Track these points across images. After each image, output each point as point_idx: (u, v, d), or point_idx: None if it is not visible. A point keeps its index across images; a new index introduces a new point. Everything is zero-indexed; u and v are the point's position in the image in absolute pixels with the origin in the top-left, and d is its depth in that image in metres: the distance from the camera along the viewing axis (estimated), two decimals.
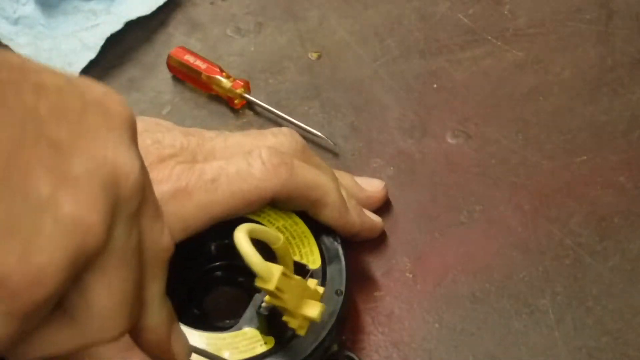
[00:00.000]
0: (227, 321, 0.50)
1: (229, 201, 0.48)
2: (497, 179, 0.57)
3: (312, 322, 0.46)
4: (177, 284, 0.49)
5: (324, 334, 0.47)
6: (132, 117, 0.35)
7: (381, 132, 0.60)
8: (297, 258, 0.49)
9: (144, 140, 0.49)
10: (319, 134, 0.59)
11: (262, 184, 0.48)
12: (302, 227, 0.51)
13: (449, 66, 0.63)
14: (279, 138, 0.51)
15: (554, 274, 0.52)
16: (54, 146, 0.32)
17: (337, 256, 0.50)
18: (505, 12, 0.66)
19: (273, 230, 0.46)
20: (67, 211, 0.32)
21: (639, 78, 0.61)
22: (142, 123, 0.50)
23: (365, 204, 0.54)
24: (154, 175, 0.46)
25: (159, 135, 0.49)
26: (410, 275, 0.53)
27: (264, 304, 0.46)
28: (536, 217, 0.55)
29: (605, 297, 0.51)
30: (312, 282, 0.46)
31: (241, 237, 0.41)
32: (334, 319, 0.47)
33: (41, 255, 0.31)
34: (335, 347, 0.48)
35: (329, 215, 0.50)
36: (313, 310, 0.45)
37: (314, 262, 0.49)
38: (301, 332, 0.46)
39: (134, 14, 0.65)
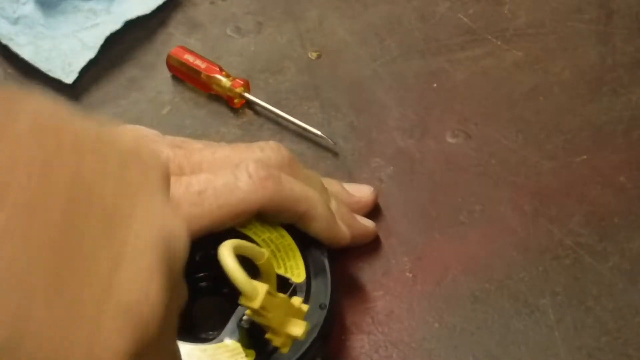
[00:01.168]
0: (211, 333, 0.49)
1: (216, 214, 0.47)
2: (497, 178, 0.57)
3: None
4: None
5: (305, 347, 0.46)
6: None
7: (381, 132, 0.60)
8: (281, 271, 0.49)
9: None
10: (319, 133, 0.59)
11: (249, 197, 0.47)
12: (288, 240, 0.50)
13: (449, 66, 0.63)
14: (266, 152, 0.50)
15: (554, 274, 0.52)
16: (106, 216, 0.30)
17: (323, 269, 0.49)
18: (505, 12, 0.66)
19: (257, 246, 0.46)
20: (130, 299, 0.30)
21: (639, 78, 0.61)
22: (129, 133, 0.49)
23: (354, 209, 0.54)
24: None
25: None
26: (410, 275, 0.53)
27: (245, 317, 0.45)
28: (536, 217, 0.55)
29: (605, 297, 0.51)
30: (296, 300, 0.46)
31: (226, 253, 0.41)
32: (316, 332, 0.47)
33: (106, 351, 0.29)
34: None
35: (318, 227, 0.50)
36: (297, 329, 0.44)
37: (298, 275, 0.49)
38: (284, 350, 0.45)
39: (133, 14, 0.65)
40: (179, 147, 0.50)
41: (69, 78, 0.62)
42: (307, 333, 0.46)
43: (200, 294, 0.51)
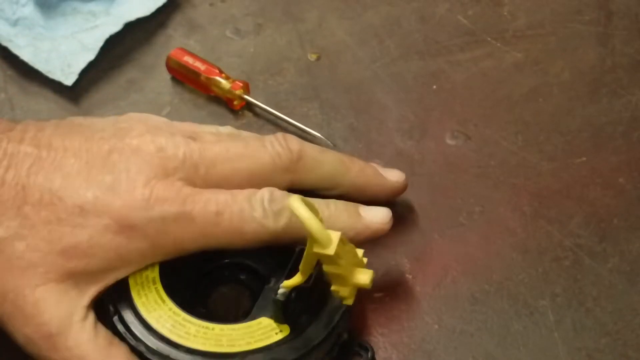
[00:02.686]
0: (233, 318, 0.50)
1: (228, 237, 0.48)
2: (497, 180, 0.57)
3: (322, 310, 0.47)
4: (179, 285, 0.49)
5: (336, 319, 0.47)
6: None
7: (380, 133, 0.60)
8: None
9: (147, 146, 0.49)
10: (318, 135, 0.59)
11: (261, 229, 0.48)
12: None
13: (449, 67, 0.63)
14: (276, 148, 0.51)
15: (554, 275, 0.52)
16: None
17: None
18: (505, 13, 0.66)
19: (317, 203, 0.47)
20: None
21: (639, 79, 0.61)
22: (142, 124, 0.50)
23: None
24: (160, 189, 0.47)
25: (162, 141, 0.49)
26: (410, 276, 0.53)
27: (281, 291, 0.46)
28: (536, 218, 0.55)
29: (605, 298, 0.51)
30: (359, 251, 0.47)
31: (298, 204, 0.42)
32: (344, 306, 0.48)
33: None
34: (345, 336, 0.48)
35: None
36: (364, 277, 0.45)
37: None
38: (349, 302, 0.46)
39: (133, 16, 0.65)
40: (192, 139, 0.50)
41: (68, 80, 0.62)
42: (337, 305, 0.47)
43: (217, 282, 0.52)
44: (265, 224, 0.48)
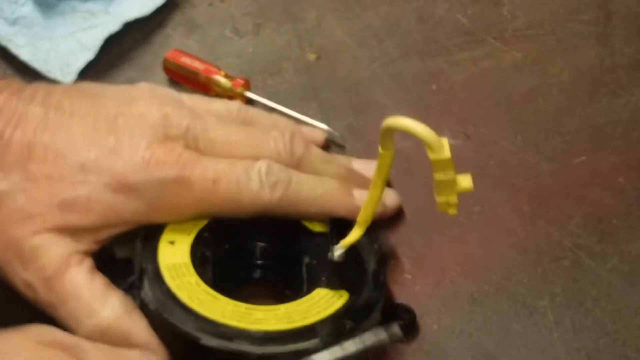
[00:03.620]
0: None
1: (223, 205, 0.50)
2: (496, 180, 0.57)
3: (366, 267, 0.49)
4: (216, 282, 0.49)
5: (382, 277, 0.50)
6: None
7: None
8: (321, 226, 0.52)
9: (152, 113, 0.50)
10: (325, 127, 0.59)
11: (258, 199, 0.50)
12: None
13: (448, 67, 0.63)
14: (278, 142, 0.52)
15: (553, 276, 0.52)
16: None
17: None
18: (504, 13, 0.66)
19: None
20: None
21: (638, 79, 0.61)
22: (151, 94, 0.52)
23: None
24: (161, 153, 0.48)
25: (168, 110, 0.51)
26: (409, 277, 0.53)
27: (337, 252, 0.48)
28: (535, 219, 0.55)
29: (604, 299, 0.51)
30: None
31: (397, 119, 0.43)
32: (383, 262, 0.50)
33: None
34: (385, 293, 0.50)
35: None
36: (467, 180, 0.45)
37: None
38: (454, 211, 0.46)
39: (132, 15, 0.65)
40: (199, 118, 0.51)
41: (67, 79, 0.62)
42: (375, 268, 0.49)
43: (245, 278, 0.53)
44: (262, 195, 0.49)
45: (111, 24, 0.64)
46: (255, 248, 0.53)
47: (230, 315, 0.47)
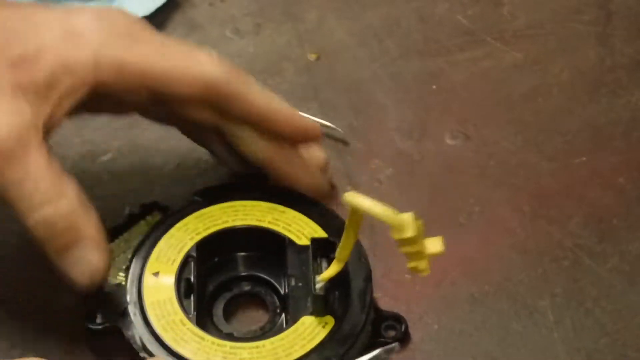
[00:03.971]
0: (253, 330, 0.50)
1: (171, 63, 0.49)
2: (496, 180, 0.57)
3: (350, 290, 0.48)
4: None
5: (367, 297, 0.48)
6: None
7: (380, 134, 0.60)
8: (306, 239, 0.50)
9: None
10: (328, 123, 0.59)
11: (206, 68, 0.50)
12: (292, 213, 0.51)
13: (448, 67, 0.63)
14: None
15: (553, 276, 0.52)
16: None
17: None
18: (504, 13, 0.66)
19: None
20: None
21: (638, 79, 0.61)
22: None
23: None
24: (114, 13, 0.50)
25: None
26: (409, 277, 0.53)
27: (319, 285, 0.47)
28: (535, 219, 0.55)
29: (605, 299, 0.51)
30: (420, 222, 0.46)
31: (357, 197, 0.42)
32: (370, 281, 0.49)
33: None
34: (372, 314, 0.49)
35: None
36: (437, 244, 0.44)
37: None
38: (426, 273, 0.45)
39: None
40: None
41: None
42: (362, 286, 0.48)
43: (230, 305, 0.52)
44: (210, 61, 0.51)
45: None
46: (242, 260, 0.52)
47: (215, 356, 0.46)
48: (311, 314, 0.48)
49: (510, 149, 0.58)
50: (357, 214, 0.45)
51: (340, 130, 0.59)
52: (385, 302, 0.52)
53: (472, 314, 0.51)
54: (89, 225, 0.46)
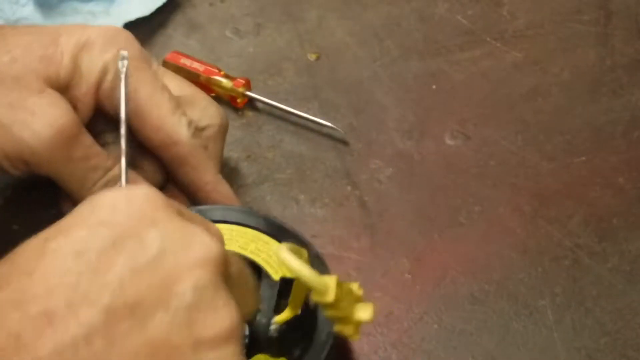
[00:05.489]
0: None
1: None
2: (496, 179, 0.57)
3: (314, 333, 0.46)
4: None
5: (329, 342, 0.46)
6: None
7: (380, 133, 0.60)
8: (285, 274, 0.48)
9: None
10: (328, 123, 0.59)
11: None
12: (275, 244, 0.50)
13: (448, 67, 0.63)
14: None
15: (553, 275, 0.52)
16: None
17: (325, 272, 0.48)
18: (504, 14, 0.66)
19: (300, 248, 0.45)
20: None
21: (638, 79, 0.61)
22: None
23: None
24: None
25: None
26: (409, 276, 0.53)
27: (273, 327, 0.46)
28: (535, 218, 0.55)
29: (605, 298, 0.51)
30: (354, 285, 0.45)
31: (287, 255, 0.41)
32: (329, 344, 0.46)
33: None
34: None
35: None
36: (366, 313, 0.43)
37: None
38: (356, 338, 0.44)
39: (133, 16, 0.65)
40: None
41: None
42: (324, 339, 0.46)
43: None
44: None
45: (112, 25, 0.64)
46: None
47: None
48: (266, 353, 0.46)
49: (510, 148, 0.58)
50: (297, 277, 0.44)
51: (340, 130, 0.59)
52: (385, 302, 0.52)
53: (473, 313, 0.51)
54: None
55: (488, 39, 0.64)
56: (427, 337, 0.50)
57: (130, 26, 0.65)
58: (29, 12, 0.65)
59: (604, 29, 0.64)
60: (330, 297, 0.41)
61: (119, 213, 0.36)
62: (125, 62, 0.50)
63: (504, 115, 0.60)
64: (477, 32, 0.65)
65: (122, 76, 0.50)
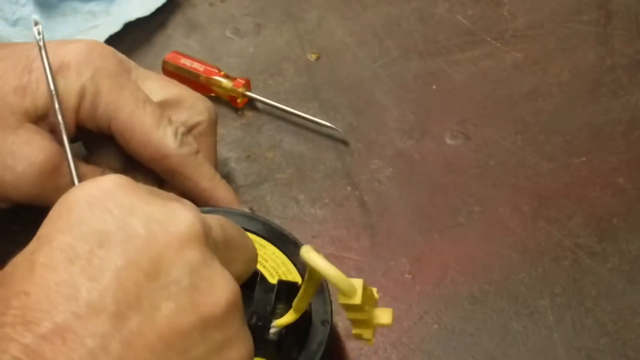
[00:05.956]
0: None
1: None
2: (496, 180, 0.57)
3: (308, 337, 0.46)
4: None
5: (322, 347, 0.46)
6: None
7: (380, 133, 0.60)
8: (281, 278, 0.49)
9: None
10: (328, 123, 0.59)
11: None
12: (271, 249, 0.50)
13: (448, 67, 0.63)
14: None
15: (553, 275, 0.52)
16: None
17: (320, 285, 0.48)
18: (505, 14, 0.66)
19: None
20: None
21: (638, 79, 0.61)
22: None
23: None
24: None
25: None
26: (410, 276, 0.53)
27: (273, 330, 0.45)
28: (535, 218, 0.55)
29: (604, 298, 0.51)
30: (374, 290, 0.44)
31: (313, 254, 0.40)
32: (322, 348, 0.46)
33: None
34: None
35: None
36: (386, 316, 0.43)
37: (298, 280, 0.48)
38: (371, 343, 0.44)
39: (133, 16, 0.65)
40: None
41: None
42: (315, 349, 0.46)
43: None
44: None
45: (112, 25, 0.64)
46: None
47: None
48: (263, 356, 0.46)
49: (510, 148, 0.58)
50: (312, 276, 0.44)
51: (340, 130, 0.59)
52: (385, 302, 0.52)
53: (473, 313, 0.51)
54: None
55: (488, 39, 0.64)
56: (427, 337, 0.51)
57: (130, 26, 0.65)
58: (29, 12, 0.65)
59: (604, 29, 0.64)
60: (357, 299, 0.41)
61: (95, 209, 0.36)
62: (40, 28, 0.49)
63: (504, 115, 0.60)
64: (477, 32, 0.65)
65: (42, 48, 0.49)
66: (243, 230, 0.42)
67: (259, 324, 0.46)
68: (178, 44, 0.65)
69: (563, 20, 0.65)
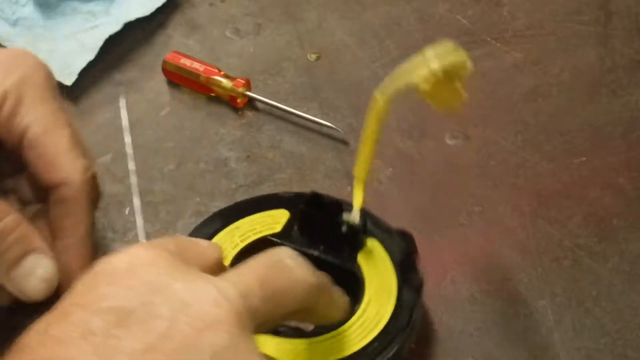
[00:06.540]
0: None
1: None
2: (496, 180, 0.57)
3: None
4: None
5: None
6: None
7: (380, 133, 0.59)
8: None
9: None
10: (328, 123, 0.59)
11: None
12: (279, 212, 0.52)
13: None
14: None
15: (553, 275, 0.52)
16: None
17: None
18: (504, 14, 0.66)
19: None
20: None
21: (638, 79, 0.61)
22: None
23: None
24: None
25: None
26: None
27: (353, 216, 0.49)
28: (535, 218, 0.55)
29: (605, 298, 0.51)
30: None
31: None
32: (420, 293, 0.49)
33: None
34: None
35: None
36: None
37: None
38: (465, 98, 0.47)
39: (132, 16, 0.65)
40: None
41: (68, 80, 0.62)
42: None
43: None
44: None
45: (112, 25, 0.64)
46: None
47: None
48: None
49: (510, 148, 0.58)
50: (375, 121, 0.45)
51: (340, 130, 0.59)
52: None
53: (473, 313, 0.51)
54: (36, 237, 0.47)
55: (488, 39, 0.64)
56: (426, 338, 0.50)
57: (130, 26, 0.65)
58: (28, 12, 0.65)
59: (604, 29, 0.64)
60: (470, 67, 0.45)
61: (118, 284, 0.34)
62: None
63: (504, 115, 0.60)
64: (477, 32, 0.65)
65: None
66: (295, 266, 0.39)
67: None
68: (178, 44, 0.65)
69: (563, 20, 0.65)
